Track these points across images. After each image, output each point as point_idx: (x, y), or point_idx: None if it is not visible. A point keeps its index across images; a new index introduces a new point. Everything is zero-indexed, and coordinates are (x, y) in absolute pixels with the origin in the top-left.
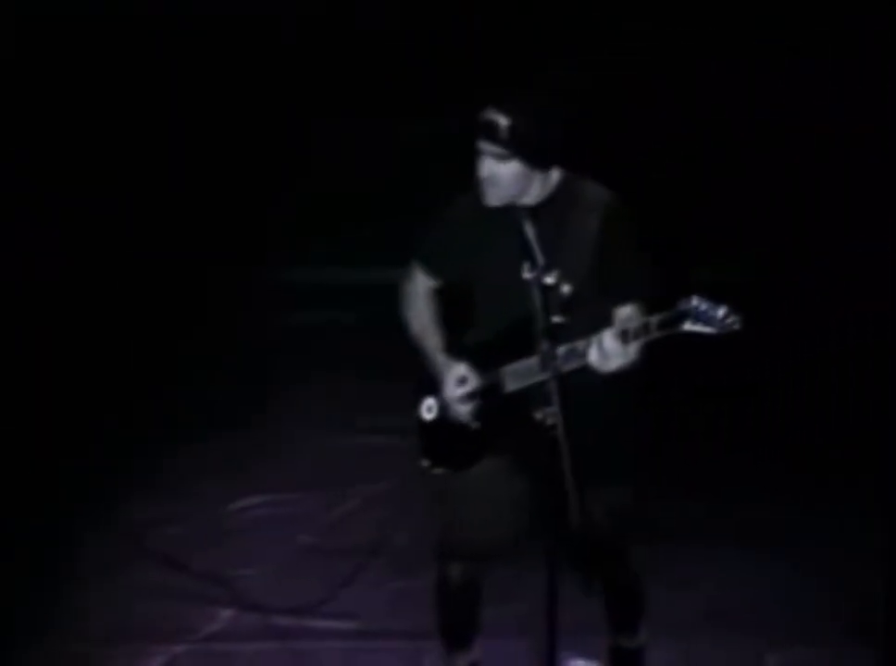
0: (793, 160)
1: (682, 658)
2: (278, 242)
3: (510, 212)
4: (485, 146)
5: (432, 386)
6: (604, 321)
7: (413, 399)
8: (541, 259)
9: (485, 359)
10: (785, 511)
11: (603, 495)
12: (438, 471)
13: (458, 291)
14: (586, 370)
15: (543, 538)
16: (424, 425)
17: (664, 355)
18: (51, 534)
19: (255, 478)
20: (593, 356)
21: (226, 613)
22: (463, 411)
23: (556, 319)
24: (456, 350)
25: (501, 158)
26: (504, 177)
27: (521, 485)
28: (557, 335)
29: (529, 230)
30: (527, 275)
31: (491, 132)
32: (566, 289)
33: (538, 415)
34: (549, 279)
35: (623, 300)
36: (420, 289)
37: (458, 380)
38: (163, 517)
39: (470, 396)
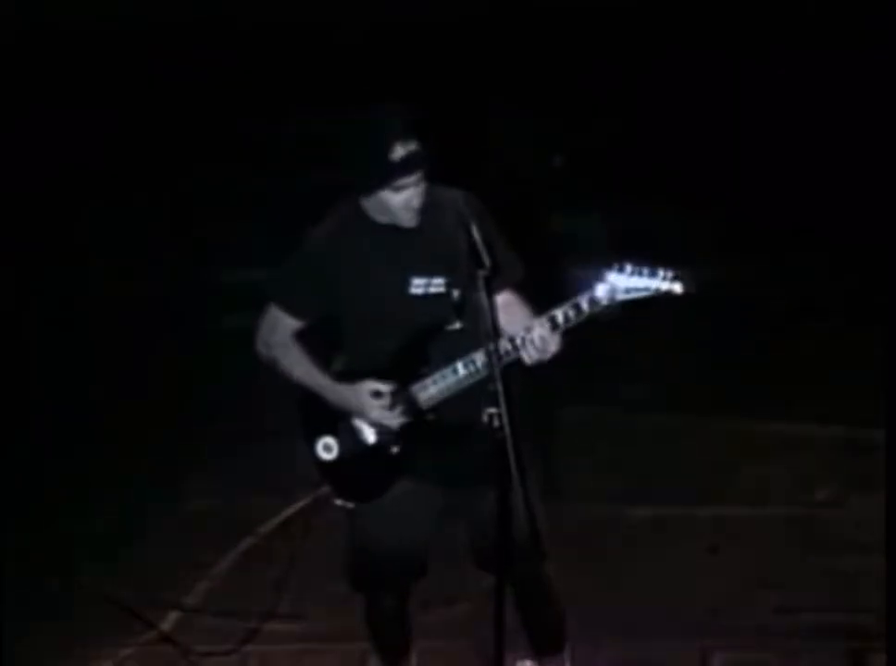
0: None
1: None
2: (222, 244)
3: (383, 230)
4: (408, 179)
5: (324, 423)
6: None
7: (305, 442)
8: (486, 271)
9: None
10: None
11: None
12: (349, 505)
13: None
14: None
15: (479, 543)
16: (325, 465)
17: None
18: None
19: (208, 481)
20: (527, 352)
21: (174, 615)
22: (392, 421)
23: (457, 325)
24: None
25: (418, 183)
26: (421, 198)
27: (434, 497)
28: (460, 341)
29: (473, 240)
30: (416, 290)
31: (418, 162)
32: (455, 294)
33: (485, 417)
34: (441, 288)
35: (506, 284)
36: (287, 335)
37: (373, 394)
38: (122, 517)
39: (393, 403)
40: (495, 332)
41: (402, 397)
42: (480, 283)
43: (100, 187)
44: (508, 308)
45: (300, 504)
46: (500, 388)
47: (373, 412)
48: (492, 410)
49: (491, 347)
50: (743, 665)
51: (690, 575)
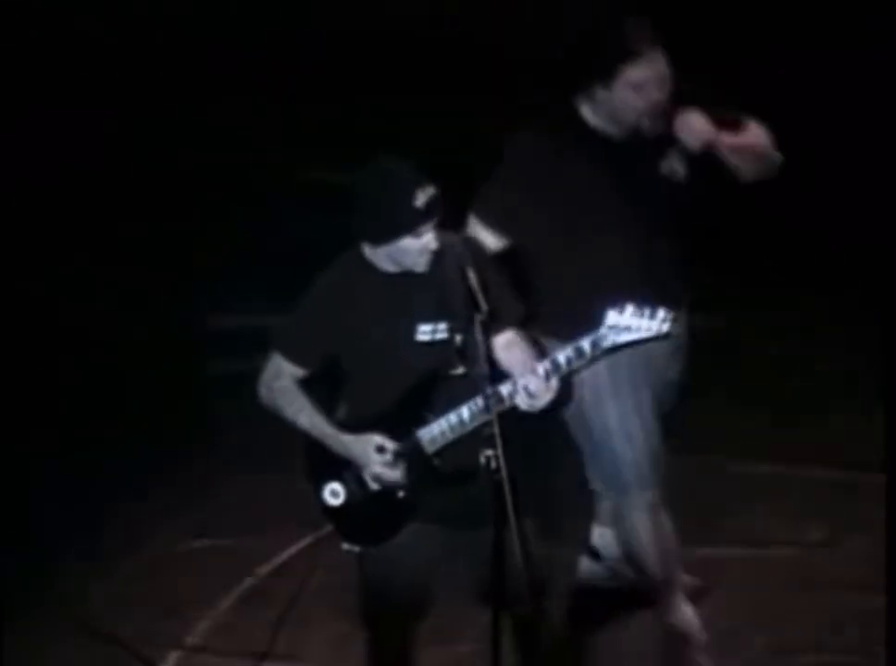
0: None
1: None
2: (204, 288)
3: (389, 278)
4: (429, 224)
5: (331, 470)
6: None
7: (312, 487)
8: (483, 315)
9: (382, 430)
10: None
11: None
12: (356, 549)
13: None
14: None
15: (481, 583)
16: (332, 511)
17: None
18: None
19: (201, 522)
20: (521, 398)
21: (174, 654)
22: (393, 477)
23: (460, 370)
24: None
25: (435, 228)
26: (437, 243)
27: (439, 539)
28: (463, 386)
29: (470, 285)
30: (423, 336)
31: (438, 207)
32: (458, 339)
33: (482, 459)
34: (445, 334)
35: (506, 325)
36: (290, 382)
37: (377, 449)
38: (110, 559)
39: (395, 461)
40: (493, 376)
41: (406, 449)
42: (478, 327)
43: (87, 224)
44: (510, 349)
45: (300, 545)
46: (496, 430)
47: (375, 467)
48: (489, 452)
49: (489, 391)
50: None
51: None
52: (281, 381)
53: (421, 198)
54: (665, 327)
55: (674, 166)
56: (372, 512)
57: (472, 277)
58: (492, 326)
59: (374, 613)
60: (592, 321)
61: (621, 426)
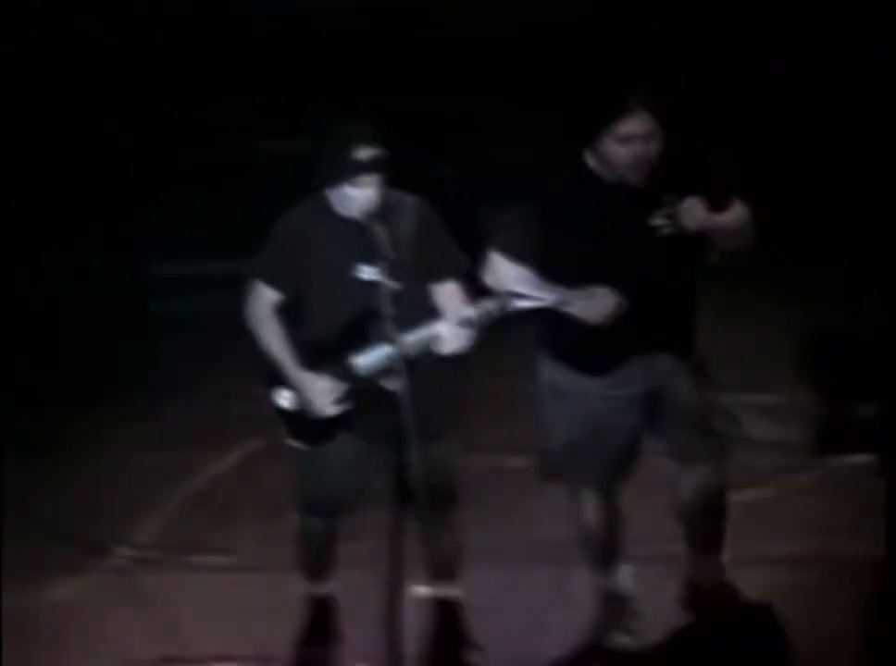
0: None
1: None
2: (142, 233)
3: (341, 221)
4: (367, 179)
5: (284, 380)
6: (427, 310)
7: (269, 389)
8: (384, 261)
9: (330, 351)
10: None
11: (435, 449)
12: (302, 447)
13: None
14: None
15: (392, 488)
16: (283, 412)
17: None
18: None
19: (148, 437)
20: (441, 343)
21: (124, 550)
22: (332, 412)
23: (392, 311)
24: (297, 344)
25: (376, 184)
26: (377, 198)
27: (367, 448)
28: (397, 325)
29: (376, 236)
30: (365, 276)
31: (376, 165)
32: (395, 285)
33: (386, 385)
34: (387, 278)
35: (447, 277)
36: (266, 307)
37: (323, 393)
38: (61, 467)
39: (336, 402)
40: (396, 319)
41: (344, 373)
42: (383, 272)
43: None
44: (450, 297)
45: (233, 457)
46: (399, 362)
47: (319, 404)
48: (393, 378)
49: (390, 325)
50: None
51: (555, 513)
52: (262, 310)
53: (363, 153)
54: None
55: (660, 222)
56: (314, 420)
57: (379, 228)
58: (435, 276)
59: (306, 503)
60: (573, 340)
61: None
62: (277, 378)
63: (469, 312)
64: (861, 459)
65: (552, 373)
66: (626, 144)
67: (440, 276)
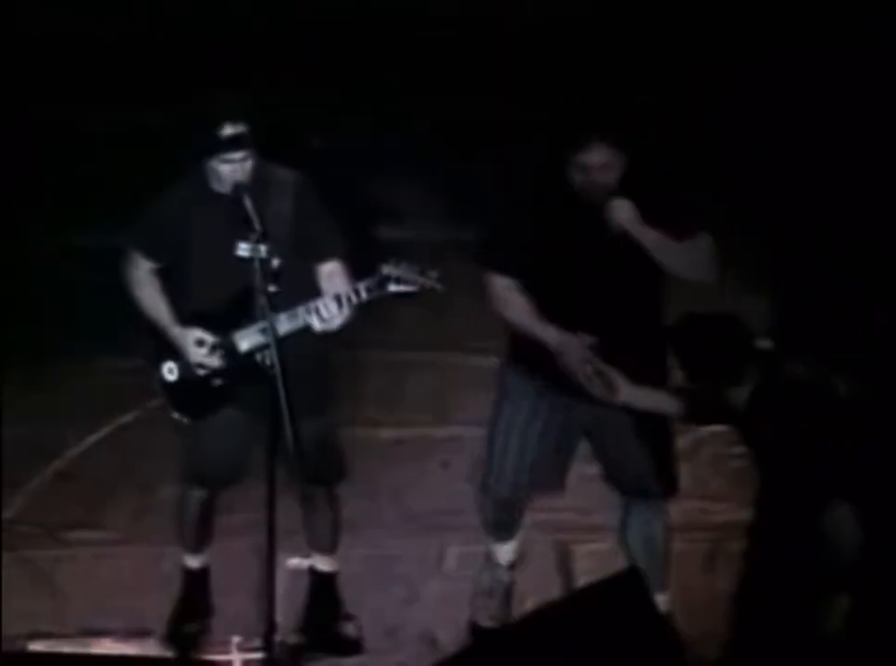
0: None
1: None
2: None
3: (218, 198)
4: (234, 155)
5: (169, 352)
6: (307, 286)
7: (152, 362)
8: (254, 234)
9: (210, 327)
10: None
11: (312, 424)
12: (185, 419)
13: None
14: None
15: (267, 462)
16: (167, 385)
17: None
18: None
19: (18, 411)
20: (315, 321)
21: None
22: (209, 363)
23: (272, 288)
24: (181, 319)
25: (244, 160)
26: (246, 174)
27: (247, 423)
28: (274, 301)
29: (247, 211)
30: (242, 252)
31: (242, 142)
32: (275, 262)
33: (259, 359)
34: (263, 254)
35: (327, 257)
36: (142, 272)
37: (196, 342)
38: None
39: (211, 351)
40: (268, 293)
41: (222, 345)
42: (252, 248)
43: None
44: (331, 277)
45: (103, 432)
46: (272, 337)
47: (193, 355)
48: (266, 352)
49: (265, 301)
50: (473, 557)
51: (428, 485)
52: (138, 272)
53: (228, 130)
54: (430, 284)
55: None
56: (196, 393)
57: (247, 201)
58: (314, 255)
59: (190, 475)
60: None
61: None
62: (160, 350)
63: (342, 291)
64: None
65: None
66: (583, 172)
67: (319, 255)
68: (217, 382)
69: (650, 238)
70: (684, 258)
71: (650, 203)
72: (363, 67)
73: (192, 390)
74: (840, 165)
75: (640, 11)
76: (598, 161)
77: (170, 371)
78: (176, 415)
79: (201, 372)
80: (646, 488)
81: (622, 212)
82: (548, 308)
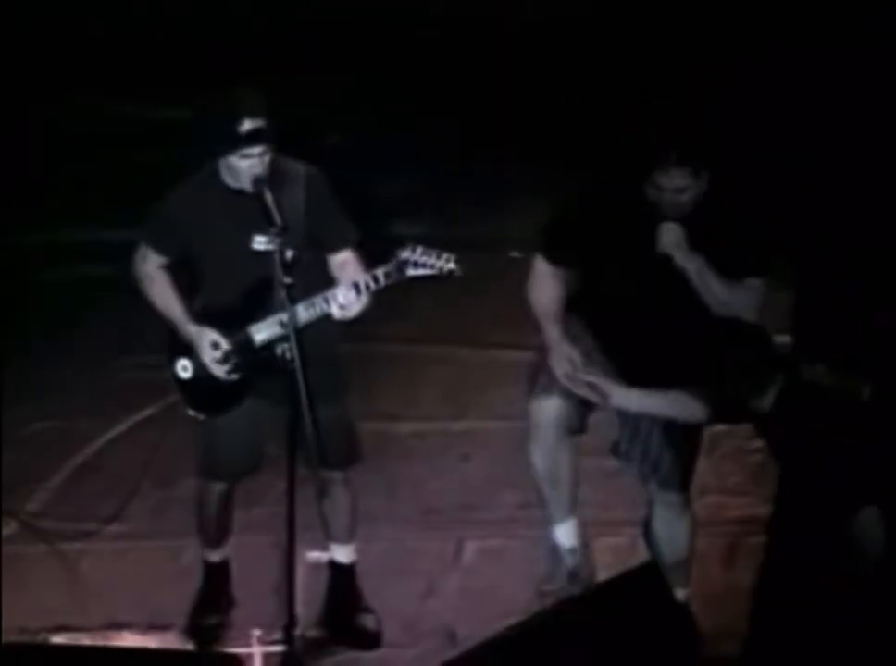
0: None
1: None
2: (25, 201)
3: (231, 193)
4: (253, 150)
5: (184, 348)
6: (321, 276)
7: (166, 359)
8: (276, 228)
9: (225, 322)
10: None
11: (325, 410)
12: (200, 416)
13: (185, 263)
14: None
15: (286, 454)
16: (182, 382)
17: None
18: None
19: (39, 407)
20: (334, 308)
21: (15, 520)
22: (220, 370)
23: (288, 280)
24: (194, 315)
25: (262, 155)
26: (264, 168)
27: (263, 414)
28: (291, 293)
29: (266, 204)
30: (259, 246)
31: (262, 137)
32: (288, 253)
33: (278, 351)
34: (282, 247)
35: (340, 247)
36: (153, 268)
37: (212, 345)
38: None
39: (224, 358)
40: (289, 285)
41: (237, 345)
42: (273, 239)
43: None
44: (344, 266)
45: (123, 427)
46: (291, 328)
47: (207, 358)
48: (285, 345)
49: (284, 292)
50: (491, 552)
51: (447, 479)
52: (147, 266)
53: (247, 125)
54: (449, 266)
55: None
56: (211, 389)
57: (268, 195)
58: (327, 246)
59: (207, 468)
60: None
61: None
62: (175, 348)
63: (360, 278)
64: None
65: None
66: (658, 191)
67: (332, 245)
68: (233, 377)
69: (693, 266)
70: (725, 294)
71: (719, 232)
72: (377, 65)
73: (207, 387)
74: (841, 165)
75: (640, 11)
76: (674, 184)
77: (184, 368)
78: (191, 412)
79: (216, 373)
80: (674, 483)
81: (669, 236)
82: (586, 305)
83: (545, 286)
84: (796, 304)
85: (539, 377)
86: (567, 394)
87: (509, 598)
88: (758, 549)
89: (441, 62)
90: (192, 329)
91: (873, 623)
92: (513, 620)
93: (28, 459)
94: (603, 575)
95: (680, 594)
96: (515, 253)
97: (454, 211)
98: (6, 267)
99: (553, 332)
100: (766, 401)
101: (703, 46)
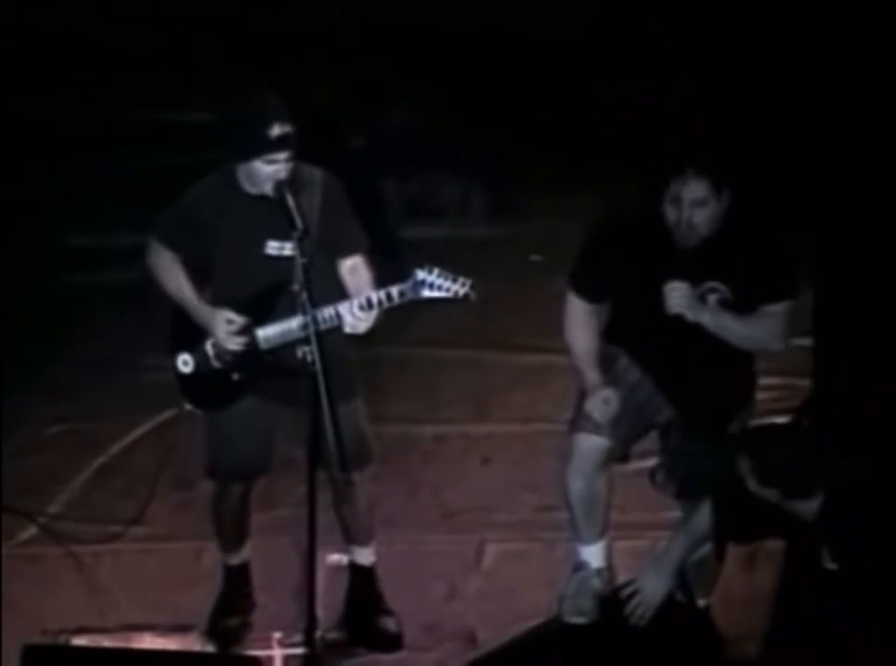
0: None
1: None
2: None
3: (248, 197)
4: (280, 155)
5: (184, 342)
6: (331, 281)
7: (169, 354)
8: (299, 233)
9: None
10: None
11: (345, 410)
12: (199, 411)
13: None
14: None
15: (307, 457)
16: (182, 377)
17: None
18: None
19: (61, 409)
20: (347, 322)
21: (39, 520)
22: (238, 343)
23: (300, 285)
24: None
25: (287, 160)
26: (288, 173)
27: (271, 416)
28: (312, 296)
29: (289, 208)
30: (273, 251)
31: (290, 142)
32: (303, 259)
33: (299, 354)
34: (292, 252)
35: (351, 252)
36: (164, 260)
37: (226, 322)
38: None
39: (239, 332)
40: (310, 289)
41: (248, 331)
42: (295, 243)
43: None
44: (355, 272)
45: (143, 429)
46: (312, 330)
47: (220, 332)
48: (306, 348)
49: (302, 296)
50: (511, 554)
51: (468, 482)
52: (157, 258)
53: (276, 130)
54: (464, 291)
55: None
56: (212, 385)
57: (290, 199)
58: (338, 251)
59: (214, 468)
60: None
61: None
62: (176, 341)
63: (373, 295)
64: None
65: None
66: (677, 206)
67: (344, 250)
68: (235, 377)
69: (705, 318)
70: (747, 331)
71: (742, 258)
72: (402, 68)
73: (207, 382)
74: (841, 165)
75: (640, 12)
76: (693, 196)
77: (185, 363)
78: (189, 407)
79: (217, 365)
80: (703, 491)
81: (675, 297)
82: (617, 335)
83: (581, 324)
84: (816, 305)
85: (583, 411)
86: (613, 432)
87: (530, 601)
88: (778, 553)
89: (465, 65)
90: (204, 309)
91: (891, 626)
92: (533, 622)
93: (49, 461)
94: (622, 578)
95: (699, 596)
96: (535, 257)
97: (475, 213)
98: (29, 270)
99: (591, 376)
100: (811, 509)
101: (702, 46)
